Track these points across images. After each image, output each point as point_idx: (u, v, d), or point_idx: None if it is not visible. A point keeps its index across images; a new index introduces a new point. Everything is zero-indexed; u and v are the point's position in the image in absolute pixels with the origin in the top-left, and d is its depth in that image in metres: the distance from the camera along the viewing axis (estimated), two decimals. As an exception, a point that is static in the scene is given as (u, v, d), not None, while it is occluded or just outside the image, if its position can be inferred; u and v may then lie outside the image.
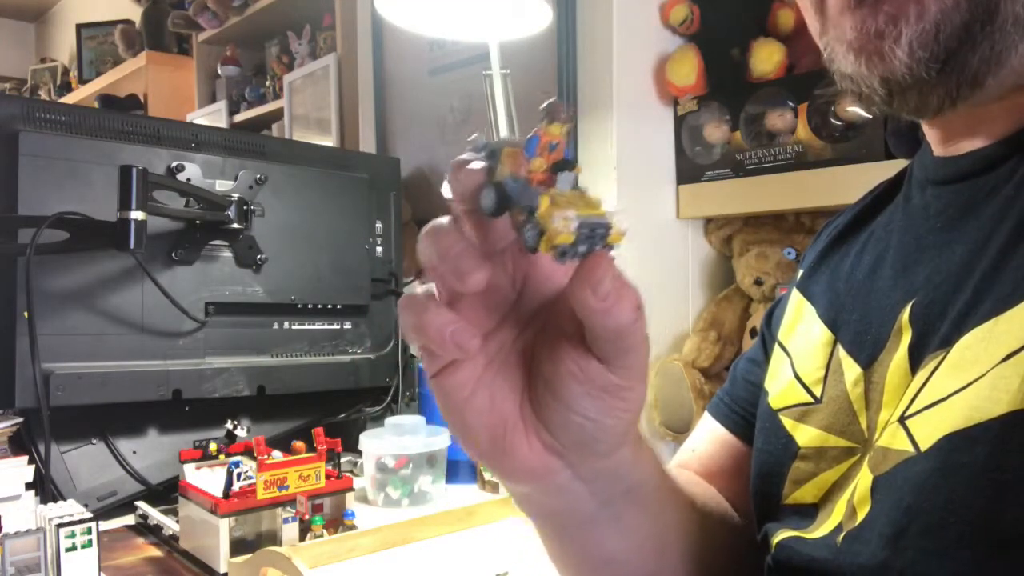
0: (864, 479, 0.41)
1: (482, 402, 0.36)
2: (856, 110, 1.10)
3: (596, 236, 0.31)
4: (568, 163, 0.32)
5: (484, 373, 0.36)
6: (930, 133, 0.47)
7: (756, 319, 1.34)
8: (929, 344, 0.40)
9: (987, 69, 0.38)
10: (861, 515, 0.40)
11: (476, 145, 0.34)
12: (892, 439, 0.39)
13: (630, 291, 0.31)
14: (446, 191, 0.34)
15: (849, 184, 1.10)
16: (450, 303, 0.35)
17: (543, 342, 0.36)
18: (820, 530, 0.43)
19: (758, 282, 1.31)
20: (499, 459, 0.37)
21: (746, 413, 0.58)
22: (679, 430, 1.32)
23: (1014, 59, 0.38)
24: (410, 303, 0.34)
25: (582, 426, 0.35)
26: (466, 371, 0.36)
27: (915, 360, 0.41)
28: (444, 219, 0.34)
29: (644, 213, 1.35)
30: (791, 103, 1.19)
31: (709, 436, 0.62)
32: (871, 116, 1.09)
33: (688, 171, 1.36)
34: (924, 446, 0.37)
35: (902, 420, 0.39)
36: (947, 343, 0.38)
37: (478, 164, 0.33)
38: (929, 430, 0.37)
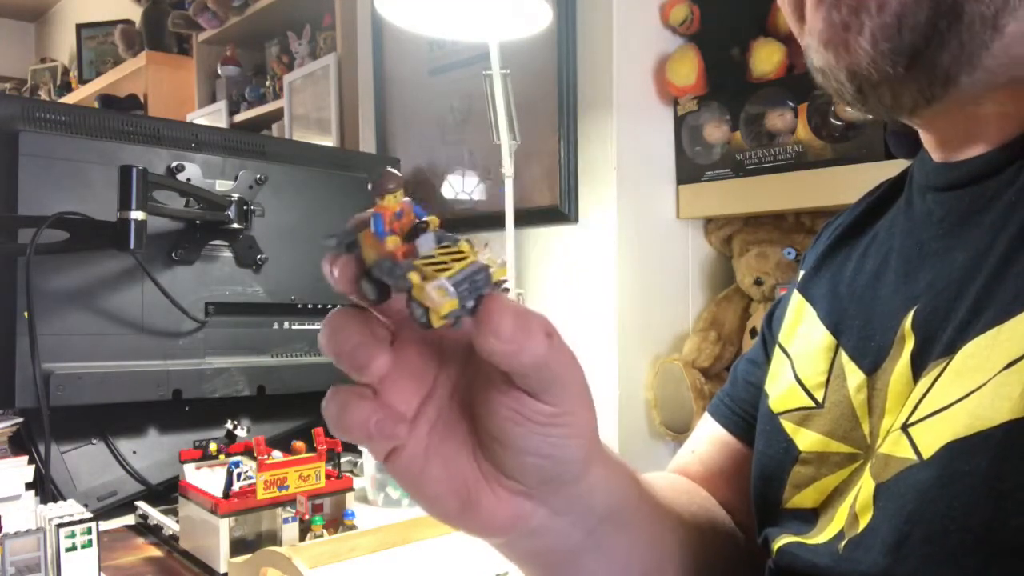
0: (866, 486, 0.40)
1: (438, 470, 0.35)
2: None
3: (480, 283, 0.30)
4: (421, 224, 0.31)
5: (430, 441, 0.35)
6: (926, 139, 0.47)
7: (756, 319, 1.34)
8: (932, 351, 0.40)
9: (959, 68, 0.38)
10: (863, 522, 0.39)
11: (330, 243, 0.33)
12: (895, 447, 0.39)
13: (535, 321, 0.30)
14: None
15: (849, 184, 1.10)
16: (375, 386, 0.34)
17: (474, 394, 0.35)
18: (821, 536, 0.43)
19: (758, 282, 1.31)
20: (470, 519, 0.35)
21: (746, 414, 0.58)
22: (679, 430, 1.32)
23: (988, 60, 0.38)
24: (331, 400, 0.33)
25: (540, 465, 0.34)
26: (411, 447, 0.35)
27: (917, 368, 0.41)
28: (337, 311, 0.33)
29: (644, 213, 1.35)
30: (791, 103, 1.19)
31: (709, 437, 0.62)
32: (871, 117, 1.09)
33: (688, 171, 1.36)
34: (926, 454, 0.37)
35: (905, 428, 0.39)
36: (950, 351, 0.38)
37: (346, 257, 0.32)
38: (931, 438, 0.37)
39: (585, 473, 0.36)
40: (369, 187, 0.32)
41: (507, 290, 0.31)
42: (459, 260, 0.30)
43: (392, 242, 0.31)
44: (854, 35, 0.39)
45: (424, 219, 0.32)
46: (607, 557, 0.42)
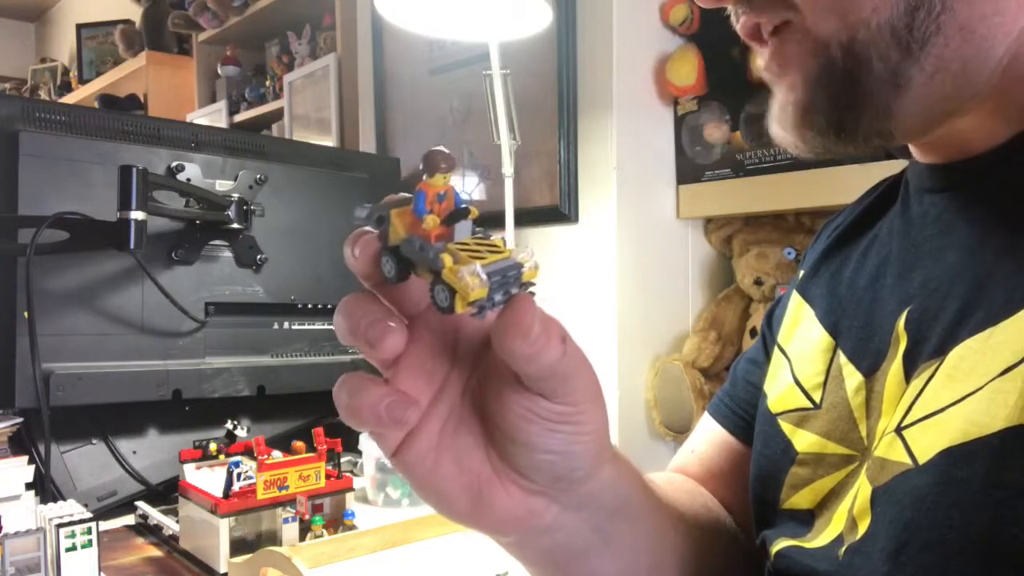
0: (863, 490, 0.40)
1: (449, 467, 0.35)
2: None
3: (510, 280, 0.30)
4: (462, 211, 0.31)
5: (441, 438, 0.35)
6: (912, 145, 0.47)
7: (756, 319, 1.34)
8: (922, 352, 0.40)
9: (879, 122, 0.40)
10: (862, 528, 0.39)
11: (361, 215, 0.32)
12: (889, 450, 0.39)
13: (554, 326, 0.30)
14: (348, 266, 0.33)
15: (849, 184, 1.09)
16: (387, 378, 0.34)
17: (487, 392, 0.35)
18: (819, 539, 0.43)
19: (758, 282, 1.31)
20: (482, 516, 0.35)
21: (746, 414, 0.58)
22: (679, 430, 1.32)
23: (899, 108, 0.39)
24: (342, 386, 0.33)
25: (552, 462, 0.34)
26: (422, 442, 0.34)
27: (909, 368, 0.41)
28: (352, 294, 0.33)
29: (644, 213, 1.35)
30: (791, 103, 1.19)
31: (709, 437, 0.62)
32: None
33: (688, 171, 1.36)
34: (922, 459, 0.37)
35: (899, 431, 0.39)
36: (940, 352, 0.38)
37: (370, 233, 0.32)
38: (926, 443, 0.37)
39: (596, 470, 0.36)
40: (421, 165, 0.31)
41: (533, 293, 0.30)
42: (493, 252, 0.30)
43: (431, 221, 0.30)
44: (783, 125, 0.43)
45: (465, 206, 0.31)
46: (615, 554, 0.42)
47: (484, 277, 0.29)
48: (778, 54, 0.42)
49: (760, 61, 0.44)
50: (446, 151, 0.31)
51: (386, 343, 0.32)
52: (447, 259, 0.29)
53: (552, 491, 0.36)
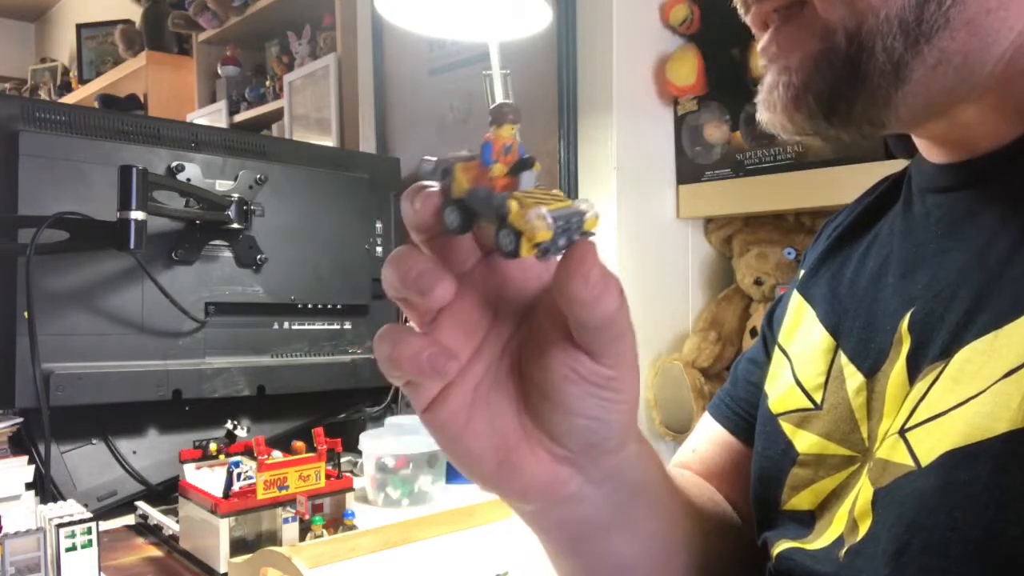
0: (865, 491, 0.40)
1: (480, 426, 0.35)
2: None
3: (572, 227, 0.31)
4: (527, 161, 0.32)
5: (475, 397, 0.35)
6: (919, 143, 0.47)
7: (756, 319, 1.34)
8: (927, 354, 0.40)
9: (875, 112, 0.40)
10: (863, 529, 0.39)
11: (425, 169, 0.33)
12: (892, 452, 0.39)
13: (613, 277, 0.31)
14: (405, 219, 0.33)
15: (849, 184, 1.10)
16: (426, 332, 0.34)
17: (529, 352, 0.35)
18: (820, 541, 0.43)
19: (758, 282, 1.31)
20: (508, 480, 0.35)
21: (747, 414, 0.58)
22: (679, 430, 1.32)
23: (898, 98, 0.39)
24: (385, 335, 0.33)
25: (587, 427, 0.34)
26: (456, 399, 0.35)
27: (913, 370, 0.41)
28: (402, 247, 0.33)
29: (644, 213, 1.35)
30: (791, 103, 1.19)
31: (709, 436, 0.62)
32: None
33: (688, 171, 1.36)
34: (924, 461, 0.37)
35: (902, 432, 0.39)
36: (946, 354, 0.38)
37: (431, 187, 0.33)
38: (929, 445, 0.37)
39: (624, 444, 0.37)
40: (490, 118, 0.32)
41: (593, 243, 0.31)
42: (556, 201, 0.31)
43: (498, 170, 0.32)
44: (770, 107, 0.43)
45: (529, 158, 0.32)
46: (632, 535, 0.42)
47: (550, 220, 0.30)
48: (780, 34, 0.42)
49: (759, 44, 0.44)
50: (511, 103, 0.32)
51: (436, 291, 0.32)
52: (513, 204, 0.30)
53: (580, 460, 0.36)
